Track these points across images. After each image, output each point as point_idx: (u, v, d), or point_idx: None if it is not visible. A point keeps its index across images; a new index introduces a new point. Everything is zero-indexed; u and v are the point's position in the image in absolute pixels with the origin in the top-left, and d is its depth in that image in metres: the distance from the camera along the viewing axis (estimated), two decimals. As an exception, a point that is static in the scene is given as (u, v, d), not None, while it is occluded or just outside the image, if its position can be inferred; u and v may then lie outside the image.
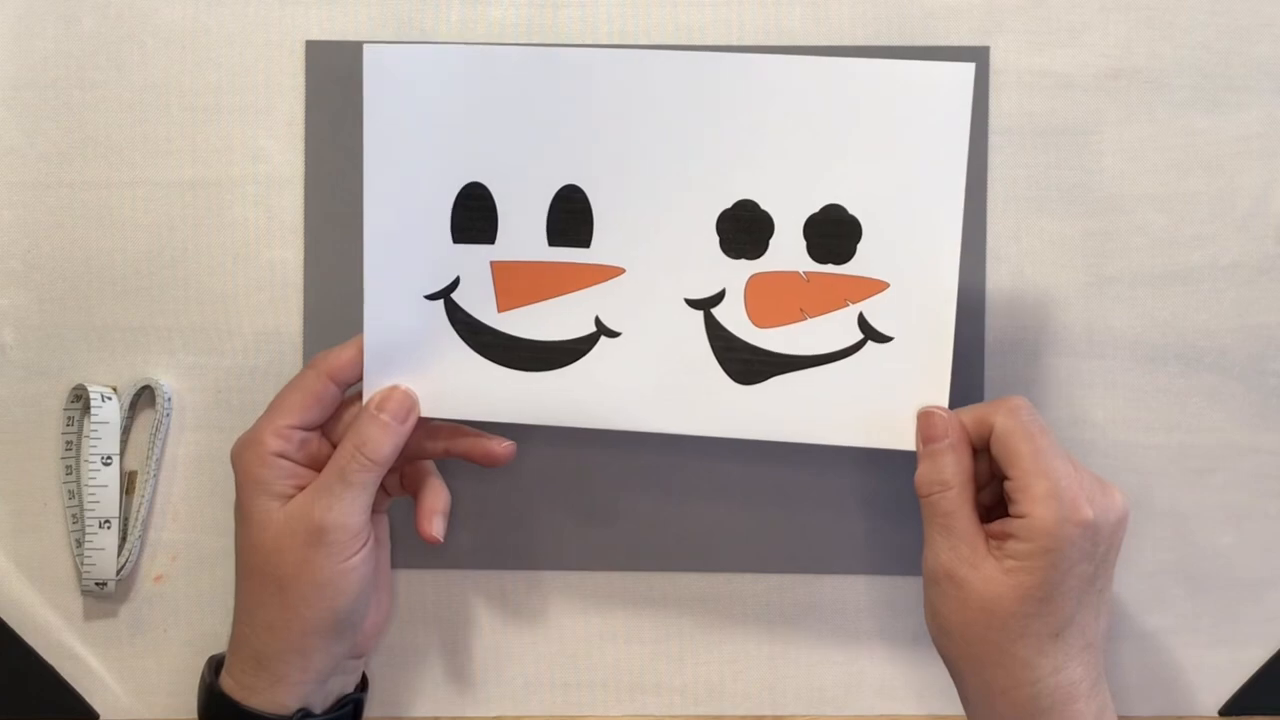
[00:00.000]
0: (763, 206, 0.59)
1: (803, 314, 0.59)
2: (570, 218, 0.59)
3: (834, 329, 0.59)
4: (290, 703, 0.59)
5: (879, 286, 0.59)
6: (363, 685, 0.64)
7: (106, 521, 0.65)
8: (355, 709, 0.63)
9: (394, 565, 0.66)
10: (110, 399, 0.65)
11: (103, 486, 0.65)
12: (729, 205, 0.59)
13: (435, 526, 0.61)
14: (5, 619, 0.67)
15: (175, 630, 0.67)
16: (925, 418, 0.58)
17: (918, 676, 0.67)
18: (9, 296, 0.66)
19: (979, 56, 0.66)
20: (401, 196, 0.59)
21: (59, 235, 0.66)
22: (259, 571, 0.59)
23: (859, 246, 0.58)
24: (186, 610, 0.67)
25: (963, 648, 0.56)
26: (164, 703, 0.67)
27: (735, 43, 0.66)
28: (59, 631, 0.67)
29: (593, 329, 0.60)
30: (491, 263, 0.60)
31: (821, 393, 0.59)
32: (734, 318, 0.59)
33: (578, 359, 0.60)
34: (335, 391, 0.60)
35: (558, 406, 0.60)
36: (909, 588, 0.67)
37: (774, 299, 0.59)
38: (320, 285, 0.66)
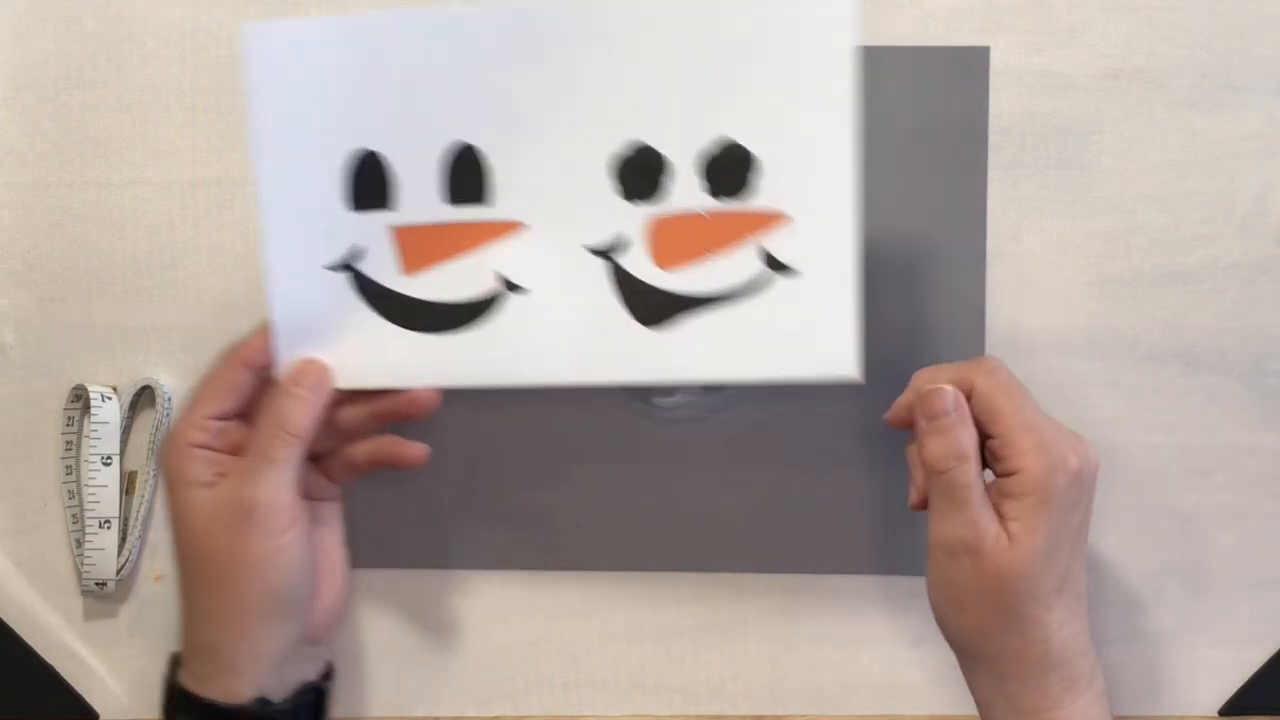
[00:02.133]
0: (657, 148, 0.58)
1: (706, 252, 0.58)
2: (466, 176, 0.59)
3: (738, 264, 0.58)
4: (245, 691, 0.58)
5: (780, 219, 0.58)
6: (327, 674, 0.63)
7: (106, 521, 0.65)
8: (318, 697, 0.62)
9: (394, 565, 0.66)
10: (110, 399, 0.65)
11: (103, 486, 0.65)
12: (623, 150, 0.58)
13: (410, 448, 0.61)
14: (5, 619, 0.67)
15: (175, 630, 0.67)
16: (933, 394, 0.58)
17: (917, 676, 0.67)
18: (9, 296, 0.66)
19: (979, 56, 0.66)
20: (295, 171, 0.59)
21: (59, 235, 0.66)
22: (195, 560, 0.59)
23: (756, 181, 0.58)
24: (186, 610, 0.67)
25: (978, 617, 0.57)
26: (164, 703, 0.67)
27: (735, 43, 0.66)
28: (59, 631, 0.67)
29: (499, 286, 0.59)
30: (392, 228, 0.59)
31: (732, 329, 0.58)
32: (638, 262, 0.59)
33: (487, 317, 0.59)
34: (250, 378, 0.60)
35: (472, 367, 0.60)
36: (909, 587, 0.67)
37: (676, 240, 0.59)
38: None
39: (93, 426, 0.65)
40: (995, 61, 0.66)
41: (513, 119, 0.58)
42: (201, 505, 0.58)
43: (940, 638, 0.66)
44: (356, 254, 0.60)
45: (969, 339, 0.66)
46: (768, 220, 0.58)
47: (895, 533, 0.66)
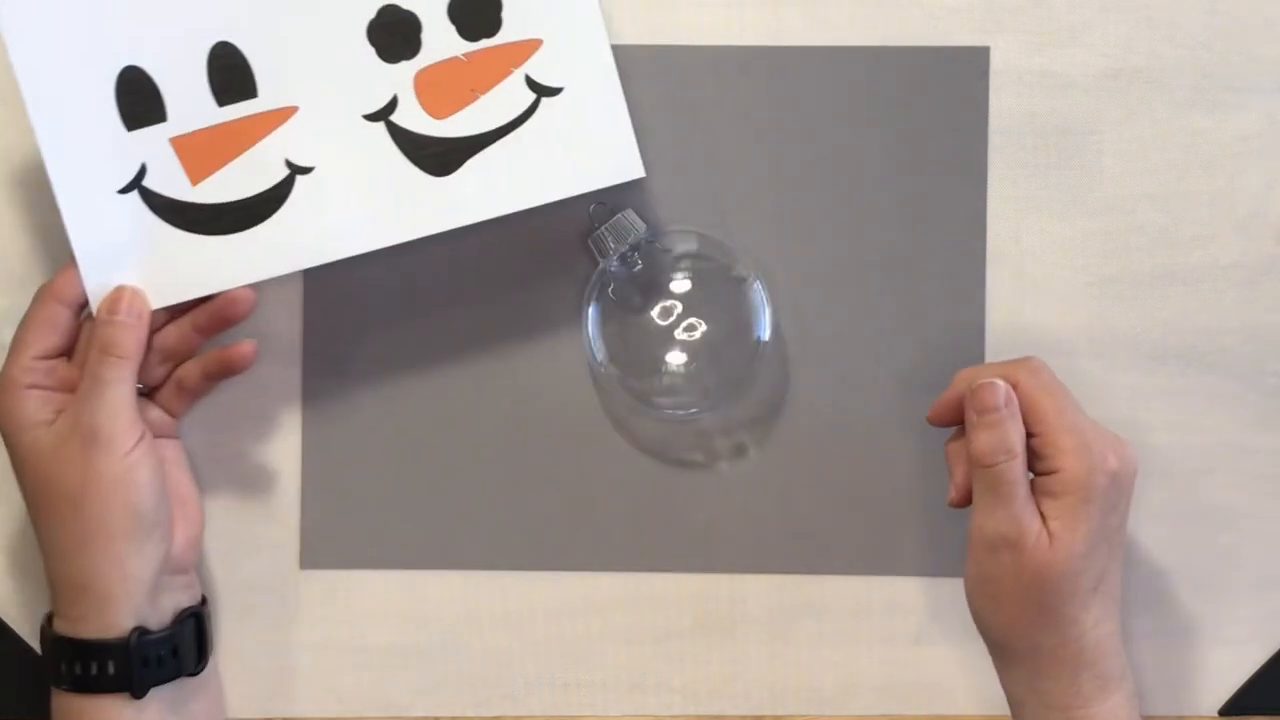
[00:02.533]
0: (404, 7, 0.61)
1: (474, 93, 0.61)
2: (230, 74, 0.61)
3: (507, 97, 0.61)
4: (124, 622, 0.59)
5: (534, 45, 0.61)
6: (202, 601, 0.64)
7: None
8: (197, 621, 0.63)
9: (394, 566, 0.66)
10: None
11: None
12: (373, 15, 0.61)
13: (238, 348, 0.62)
14: (5, 619, 0.67)
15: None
16: (985, 388, 0.58)
17: (917, 677, 0.67)
18: (9, 296, 0.66)
19: (979, 56, 0.66)
20: (68, 101, 0.61)
21: (59, 235, 0.66)
22: (49, 495, 0.59)
23: (503, 15, 0.61)
24: (186, 610, 0.67)
25: (1015, 613, 0.57)
26: (164, 703, 0.67)
27: (735, 43, 0.66)
28: (59, 631, 0.67)
29: (286, 172, 0.61)
30: (171, 140, 0.61)
31: (516, 159, 0.61)
32: (413, 118, 0.61)
33: (282, 204, 0.61)
34: (67, 314, 0.61)
35: (279, 255, 0.62)
36: (909, 588, 0.67)
37: (444, 88, 0.61)
38: (320, 285, 0.66)
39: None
40: (995, 61, 0.66)
41: (261, 10, 0.61)
42: (45, 442, 0.59)
43: (939, 638, 0.66)
44: (143, 172, 0.61)
45: (969, 339, 0.66)
46: (523, 49, 0.61)
47: (894, 534, 0.66)
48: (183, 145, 0.61)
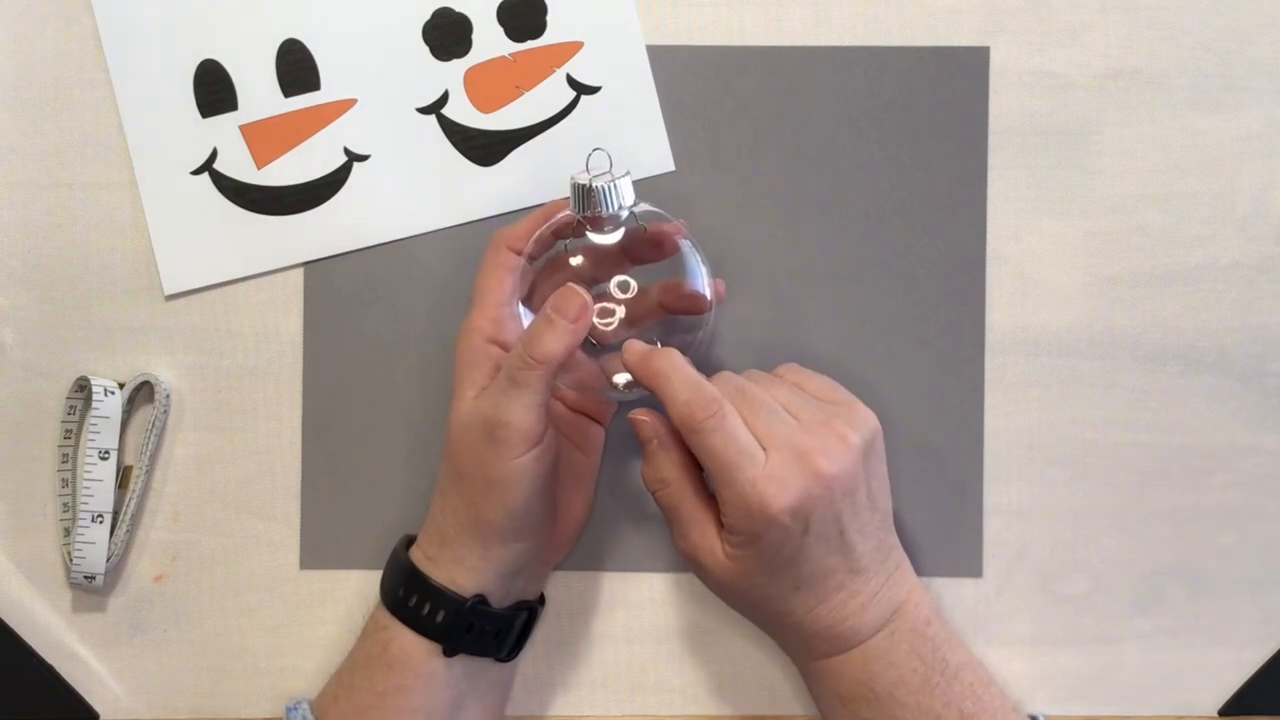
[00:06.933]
0: (457, 10, 0.66)
1: (519, 90, 0.66)
2: (296, 68, 0.66)
3: (550, 94, 0.66)
4: (468, 585, 0.60)
5: (576, 47, 0.66)
6: (541, 599, 0.65)
7: (99, 516, 0.64)
8: (529, 617, 0.63)
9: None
10: (114, 394, 0.65)
11: (98, 480, 0.64)
12: (428, 17, 0.66)
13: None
14: (5, 619, 0.67)
15: (175, 630, 0.67)
16: (634, 424, 0.60)
17: (918, 677, 0.67)
18: (9, 296, 0.66)
19: (979, 56, 0.66)
20: (149, 91, 0.65)
21: (59, 235, 0.66)
22: (449, 457, 0.60)
23: (547, 18, 0.66)
24: (186, 610, 0.67)
25: (728, 601, 0.60)
26: (164, 703, 0.67)
27: (735, 43, 0.66)
28: (59, 631, 0.67)
29: (344, 158, 0.66)
30: (240, 127, 0.66)
31: (556, 151, 0.66)
32: (462, 111, 0.66)
33: (340, 188, 0.66)
34: (519, 260, 0.62)
35: (335, 235, 0.66)
36: (909, 588, 0.67)
37: (491, 85, 0.66)
38: (320, 285, 0.66)
39: (93, 421, 0.65)
40: (995, 61, 0.66)
41: (330, 11, 0.65)
42: (463, 408, 0.60)
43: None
44: (214, 156, 0.66)
45: (969, 339, 0.66)
46: (565, 50, 0.66)
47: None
48: (251, 132, 0.65)
